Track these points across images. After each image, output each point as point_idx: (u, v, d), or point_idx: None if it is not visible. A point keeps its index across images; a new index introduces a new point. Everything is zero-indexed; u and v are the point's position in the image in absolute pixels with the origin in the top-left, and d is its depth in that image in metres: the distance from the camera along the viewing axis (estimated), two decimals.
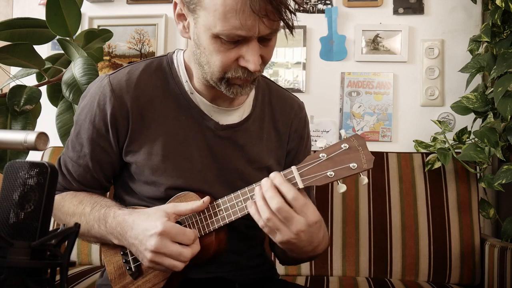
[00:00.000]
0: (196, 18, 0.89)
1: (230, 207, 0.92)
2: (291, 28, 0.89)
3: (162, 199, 0.99)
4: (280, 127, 1.11)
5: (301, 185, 0.86)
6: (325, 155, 0.86)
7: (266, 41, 0.90)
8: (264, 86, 1.12)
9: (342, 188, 0.87)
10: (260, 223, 0.86)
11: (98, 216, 0.95)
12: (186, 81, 1.02)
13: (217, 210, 0.93)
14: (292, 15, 0.88)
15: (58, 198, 1.03)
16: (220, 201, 0.94)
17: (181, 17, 0.95)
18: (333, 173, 0.85)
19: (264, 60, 0.93)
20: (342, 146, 0.86)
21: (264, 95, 1.11)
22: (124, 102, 0.98)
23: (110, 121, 0.98)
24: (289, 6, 0.87)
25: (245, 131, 1.05)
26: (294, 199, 0.84)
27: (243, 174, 1.03)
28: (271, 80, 1.17)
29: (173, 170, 0.99)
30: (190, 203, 0.92)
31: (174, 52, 1.07)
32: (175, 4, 0.94)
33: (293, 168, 0.87)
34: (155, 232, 0.86)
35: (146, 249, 0.87)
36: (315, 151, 0.90)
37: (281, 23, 0.89)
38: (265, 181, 0.86)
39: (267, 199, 0.85)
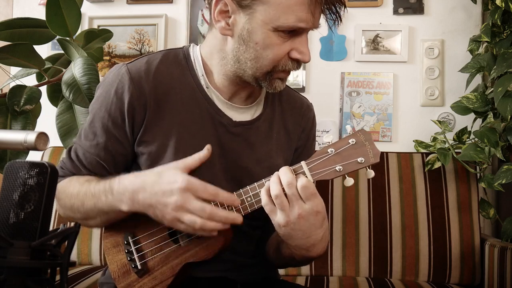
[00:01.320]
0: (252, 13, 0.91)
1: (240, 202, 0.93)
2: (340, 19, 0.95)
3: None
4: (289, 127, 1.12)
5: (311, 180, 0.88)
6: (333, 150, 0.88)
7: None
8: None
9: (350, 182, 0.89)
10: (264, 199, 0.87)
11: (104, 186, 0.93)
12: (202, 75, 1.03)
13: (225, 206, 0.93)
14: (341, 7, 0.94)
15: (65, 181, 1.01)
16: None
17: (223, 14, 0.95)
18: (342, 168, 0.88)
19: None
20: (350, 141, 0.88)
21: (274, 95, 1.12)
22: (143, 90, 0.97)
23: (127, 110, 0.97)
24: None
25: (256, 129, 1.06)
26: (304, 187, 0.85)
27: (251, 172, 1.03)
28: None
29: None
30: (196, 155, 0.91)
31: (190, 45, 1.07)
32: (217, 2, 0.94)
33: (303, 163, 0.89)
34: (177, 188, 0.85)
35: (167, 206, 0.86)
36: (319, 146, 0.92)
37: None
38: (284, 167, 0.89)
39: (280, 175, 0.87)
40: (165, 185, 0.86)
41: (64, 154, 1.06)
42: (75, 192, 0.97)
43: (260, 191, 0.90)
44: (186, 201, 0.85)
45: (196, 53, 1.05)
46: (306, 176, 0.88)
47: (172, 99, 1.00)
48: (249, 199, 0.92)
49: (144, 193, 0.88)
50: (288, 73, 0.97)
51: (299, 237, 0.88)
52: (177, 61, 1.03)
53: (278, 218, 0.87)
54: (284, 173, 0.87)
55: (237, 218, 0.88)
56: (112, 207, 0.93)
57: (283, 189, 0.86)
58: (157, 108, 0.99)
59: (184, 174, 0.87)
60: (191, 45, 1.07)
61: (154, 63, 1.00)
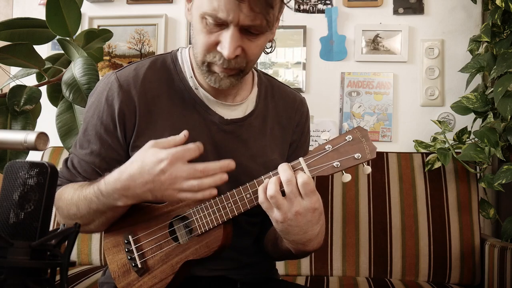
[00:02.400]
0: None
1: (239, 199, 0.93)
2: (269, 24, 0.90)
3: None
4: (283, 122, 1.13)
5: (309, 176, 0.89)
6: (331, 147, 0.90)
7: (252, 35, 0.91)
8: (266, 82, 1.14)
9: (347, 178, 0.90)
10: (261, 197, 0.88)
11: (93, 189, 0.94)
12: (191, 77, 1.04)
13: (225, 203, 0.94)
14: (279, 13, 0.90)
15: (61, 189, 1.02)
16: (228, 194, 0.94)
17: (188, 0, 0.98)
18: (339, 164, 0.89)
19: (248, 56, 0.94)
20: (346, 137, 0.90)
21: (267, 92, 1.12)
22: (131, 97, 0.99)
23: (118, 116, 0.99)
24: (276, 3, 0.89)
25: (248, 126, 1.06)
26: (305, 183, 0.86)
27: (246, 169, 1.04)
28: (272, 77, 1.19)
29: None
30: (171, 138, 0.90)
31: (178, 49, 1.09)
32: None
33: (301, 159, 0.90)
34: (163, 166, 0.85)
35: (161, 186, 0.86)
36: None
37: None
38: (284, 163, 0.89)
39: (280, 172, 0.87)
40: (153, 169, 0.86)
41: (61, 164, 1.07)
42: (69, 197, 0.98)
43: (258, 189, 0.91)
44: (177, 170, 0.85)
45: (185, 56, 1.06)
46: (304, 172, 0.89)
47: (162, 103, 1.01)
48: (248, 196, 0.93)
49: (134, 185, 0.88)
50: (224, 69, 0.94)
51: (296, 233, 0.89)
52: (165, 66, 1.05)
53: (275, 214, 0.88)
54: (284, 170, 0.88)
55: (230, 164, 0.89)
56: (107, 206, 0.93)
57: (281, 185, 0.87)
58: (148, 113, 1.00)
59: (164, 150, 0.86)
60: (179, 48, 1.09)
61: (142, 69, 1.02)
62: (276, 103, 1.13)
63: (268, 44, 1.05)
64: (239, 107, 1.06)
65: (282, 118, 1.13)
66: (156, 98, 1.01)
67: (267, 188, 0.87)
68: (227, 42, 0.89)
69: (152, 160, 0.86)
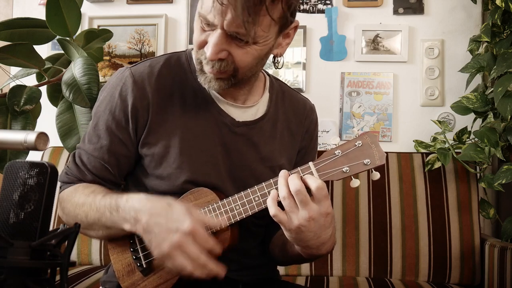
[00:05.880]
0: None
1: (247, 202, 0.94)
2: (258, 37, 0.89)
3: (176, 194, 0.99)
4: (293, 128, 1.13)
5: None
6: (340, 152, 0.91)
7: (241, 41, 0.89)
8: (278, 88, 1.15)
9: (356, 183, 0.91)
10: (273, 210, 0.88)
11: (110, 202, 0.93)
12: None
13: (233, 205, 0.94)
14: (258, 28, 0.87)
15: (71, 189, 1.01)
16: (236, 196, 0.95)
17: None
18: (348, 169, 0.90)
19: (236, 61, 0.92)
20: (356, 143, 0.91)
21: (277, 97, 1.13)
22: (145, 93, 0.99)
23: (131, 111, 0.98)
24: (261, 20, 0.86)
25: (259, 129, 1.07)
26: (319, 188, 0.86)
27: (254, 171, 1.04)
28: (284, 83, 1.20)
29: (190, 164, 0.99)
30: (212, 222, 0.91)
31: (192, 48, 1.08)
32: None
33: (311, 163, 0.91)
34: (183, 229, 0.84)
35: (166, 240, 0.85)
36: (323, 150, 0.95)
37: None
38: (285, 172, 0.90)
39: (289, 180, 0.88)
40: (172, 221, 0.86)
41: (69, 160, 1.06)
42: (80, 202, 0.98)
43: (268, 192, 0.92)
44: (185, 243, 0.84)
45: None
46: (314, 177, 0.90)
47: (175, 101, 1.01)
48: (256, 198, 0.93)
49: (149, 217, 0.88)
50: (213, 71, 0.93)
51: (310, 238, 0.89)
52: (179, 64, 1.05)
53: (288, 223, 0.88)
54: (291, 179, 0.88)
55: (222, 273, 0.87)
56: (115, 224, 0.93)
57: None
58: (160, 110, 1.00)
59: (193, 219, 0.86)
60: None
61: (156, 66, 1.02)
62: (286, 109, 1.13)
63: (273, 58, 1.05)
64: (249, 110, 1.07)
65: (292, 124, 1.13)
66: (169, 96, 1.01)
67: (277, 196, 0.88)
68: (210, 43, 0.90)
69: (178, 217, 0.86)
